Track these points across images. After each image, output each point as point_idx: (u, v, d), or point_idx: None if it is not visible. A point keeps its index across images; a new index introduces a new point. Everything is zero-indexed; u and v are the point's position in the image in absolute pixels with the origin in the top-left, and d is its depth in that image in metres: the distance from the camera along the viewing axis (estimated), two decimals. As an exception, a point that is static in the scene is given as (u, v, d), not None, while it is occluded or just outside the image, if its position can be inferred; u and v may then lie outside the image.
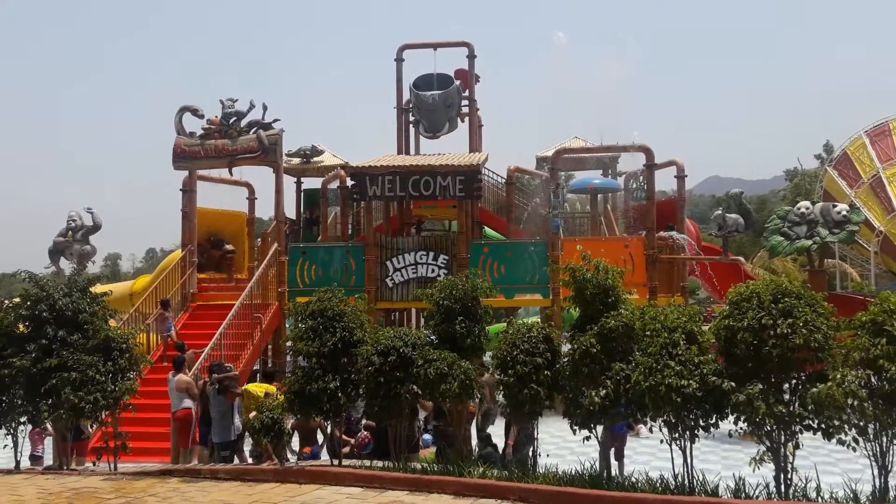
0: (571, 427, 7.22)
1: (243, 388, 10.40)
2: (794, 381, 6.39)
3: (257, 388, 10.00)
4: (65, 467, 9.41)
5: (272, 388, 10.15)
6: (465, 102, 20.09)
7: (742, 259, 18.90)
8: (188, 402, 10.19)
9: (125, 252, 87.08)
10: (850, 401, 5.87)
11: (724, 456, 10.34)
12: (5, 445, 9.32)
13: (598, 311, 7.33)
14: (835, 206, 18.32)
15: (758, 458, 6.20)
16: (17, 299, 9.64)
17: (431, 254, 16.12)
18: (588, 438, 7.15)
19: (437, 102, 19.01)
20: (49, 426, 9.65)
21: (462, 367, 7.81)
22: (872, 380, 6.01)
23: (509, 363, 7.53)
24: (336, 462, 8.20)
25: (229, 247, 18.09)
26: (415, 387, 7.83)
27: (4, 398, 9.06)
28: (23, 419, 9.26)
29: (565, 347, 7.79)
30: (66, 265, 17.02)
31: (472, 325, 8.19)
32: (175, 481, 8.11)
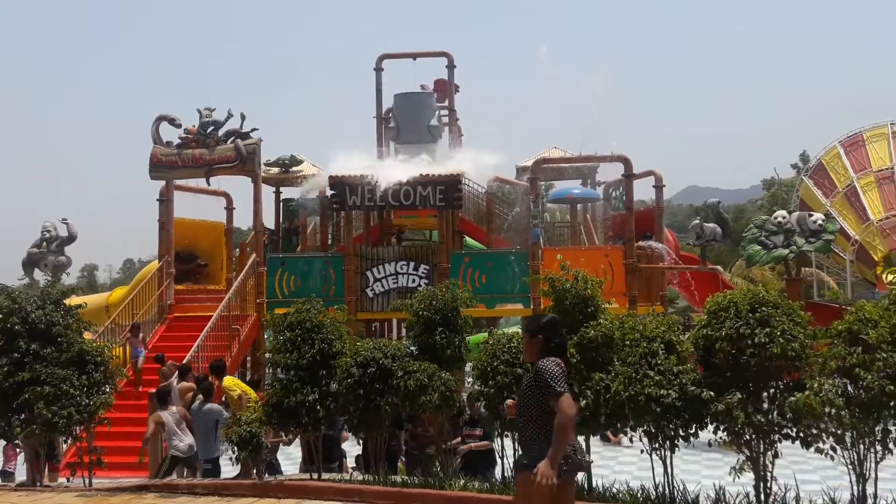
0: (551, 438, 7.19)
1: (224, 382, 10.40)
2: (772, 390, 6.42)
3: (234, 386, 10.01)
4: (38, 483, 9.22)
5: (251, 392, 10.12)
6: (444, 112, 20.14)
7: (720, 268, 19.08)
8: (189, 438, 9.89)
9: (102, 263, 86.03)
10: (827, 409, 5.90)
11: (705, 465, 10.38)
12: (-24, 462, 9.12)
13: (578, 321, 7.33)
14: (811, 216, 18.58)
15: (737, 467, 6.22)
16: (-11, 312, 9.44)
17: (412, 264, 16.08)
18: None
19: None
20: (20, 442, 9.44)
21: (442, 378, 7.76)
22: (849, 388, 6.06)
23: (489, 374, 7.50)
24: (315, 476, 8.11)
25: (201, 261, 17.99)
26: (395, 398, 7.77)
27: (-25, 413, 8.85)
28: (-6, 435, 9.06)
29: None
30: (41, 276, 16.79)
31: (452, 335, 8.14)
32: (151, 497, 7.98)
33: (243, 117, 15.77)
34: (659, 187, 16.69)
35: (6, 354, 8.98)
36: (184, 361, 12.13)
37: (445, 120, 20.46)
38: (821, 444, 6.10)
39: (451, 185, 15.70)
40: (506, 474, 7.44)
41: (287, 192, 21.53)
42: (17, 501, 7.97)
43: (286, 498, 7.45)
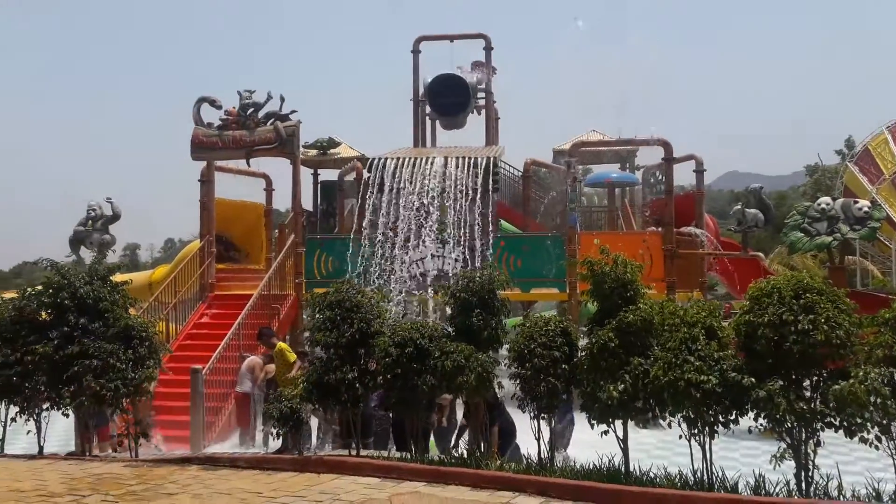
0: (589, 421, 7.21)
1: (278, 345, 10.87)
2: (815, 378, 6.33)
3: (289, 352, 10.49)
4: (87, 453, 9.54)
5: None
6: (481, 95, 20.04)
7: (761, 255, 18.75)
8: (247, 384, 10.55)
9: (144, 242, 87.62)
10: (872, 398, 5.81)
11: (744, 453, 10.29)
12: (28, 431, 9.45)
13: (617, 305, 7.31)
14: (856, 203, 18.11)
15: (778, 455, 6.16)
16: (39, 287, 9.75)
17: (448, 247, 16.10)
18: (606, 433, 7.13)
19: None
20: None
21: (479, 359, 7.81)
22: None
23: (526, 356, 7.53)
24: (354, 452, 8.24)
25: (235, 254, 18.44)
26: (432, 378, 7.85)
27: (27, 384, 9.17)
28: (45, 405, 9.37)
29: (582, 342, 7.77)
30: (86, 254, 17.24)
31: (489, 317, 8.18)
32: (195, 469, 8.18)
33: (283, 99, 15.90)
34: (699, 172, 16.46)
35: (56, 328, 9.28)
36: (225, 338, 12.40)
37: (482, 102, 20.35)
38: (865, 434, 6.01)
39: (487, 169, 15.65)
40: (542, 455, 7.48)
41: (325, 174, 21.73)
42: (67, 469, 8.24)
43: (325, 473, 7.59)
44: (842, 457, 8.56)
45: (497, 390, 8.21)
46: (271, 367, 11.19)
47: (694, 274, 16.31)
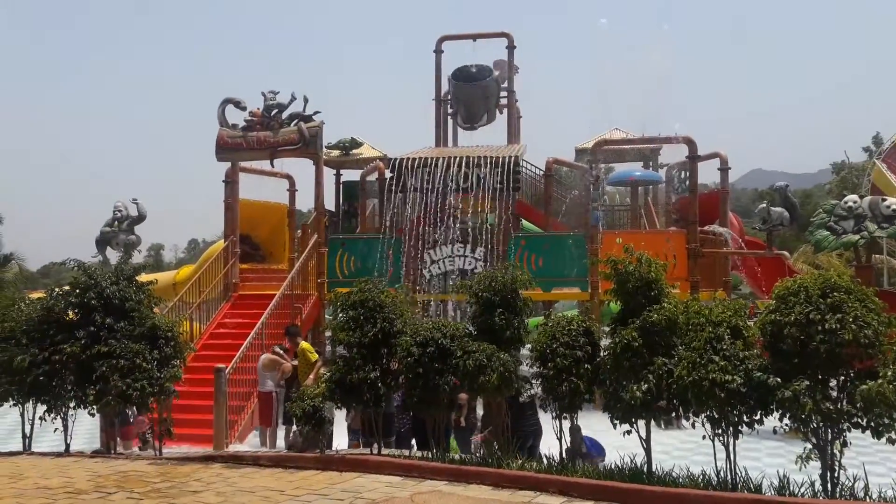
0: (612, 421, 7.16)
1: (301, 345, 10.99)
2: (842, 378, 6.24)
3: (312, 350, 10.64)
4: (112, 451, 9.67)
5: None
6: (503, 94, 20.01)
7: (786, 254, 18.51)
8: (269, 384, 10.69)
9: (168, 243, 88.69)
10: (901, 399, 5.72)
11: (767, 453, 10.17)
12: (56, 429, 9.60)
13: (640, 304, 7.25)
14: (884, 200, 17.82)
15: (804, 455, 6.07)
16: (66, 287, 9.90)
17: (469, 246, 16.13)
18: (629, 433, 7.08)
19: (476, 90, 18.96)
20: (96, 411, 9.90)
21: (501, 359, 7.80)
22: (926, 378, 5.85)
23: (549, 356, 7.50)
24: (375, 451, 8.27)
25: (260, 252, 18.67)
26: (453, 378, 7.85)
27: (55, 383, 9.32)
28: (72, 404, 9.51)
29: (605, 342, 7.73)
30: (113, 255, 17.47)
31: (511, 316, 8.16)
32: (218, 467, 8.27)
33: (306, 100, 16.02)
34: (724, 170, 16.29)
35: (83, 327, 9.41)
36: (248, 338, 12.52)
37: (505, 101, 20.33)
38: (893, 435, 5.90)
39: (508, 168, 15.63)
40: (563, 455, 7.45)
41: (347, 175, 21.83)
42: (93, 467, 8.37)
43: (347, 471, 7.63)
44: (868, 457, 8.44)
45: (526, 391, 8.16)
46: (288, 366, 11.27)
47: (718, 273, 16.15)
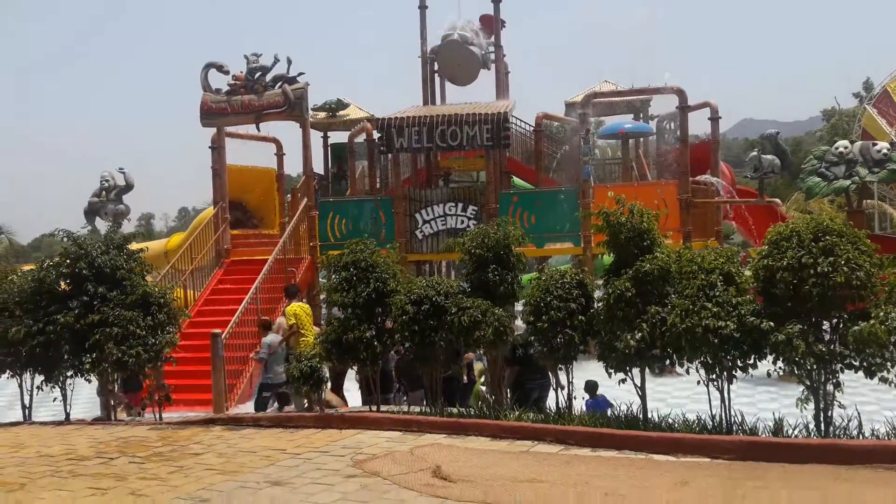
0: (607, 370, 7.23)
1: (286, 308, 11.37)
2: (834, 321, 6.30)
3: (291, 315, 10.91)
4: (112, 418, 9.73)
5: (309, 327, 10.98)
6: (490, 49, 19.72)
7: (778, 201, 18.52)
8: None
9: (158, 212, 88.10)
10: (892, 338, 5.78)
11: (760, 398, 10.32)
12: (55, 399, 9.63)
13: (633, 255, 7.25)
14: (874, 145, 17.83)
15: (803, 398, 6.16)
16: (57, 258, 9.84)
17: (460, 205, 16.08)
18: (623, 381, 7.16)
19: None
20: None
21: (496, 314, 7.81)
22: (917, 317, 5.90)
23: (543, 309, 7.52)
24: (374, 408, 8.34)
25: (254, 219, 18.57)
26: (449, 334, 7.88)
27: (51, 353, 9.32)
28: (69, 373, 9.53)
29: (598, 293, 7.76)
30: (102, 225, 17.37)
31: (504, 272, 8.16)
32: (218, 429, 8.33)
33: (290, 62, 15.75)
34: (714, 119, 16.16)
35: (76, 297, 9.39)
36: (243, 303, 12.52)
37: (492, 56, 20.04)
38: (885, 374, 5.98)
39: (498, 124, 15.49)
40: (560, 405, 7.54)
41: (334, 137, 21.62)
42: (94, 434, 8.42)
43: (347, 429, 7.70)
44: (861, 398, 8.56)
45: (529, 347, 8.20)
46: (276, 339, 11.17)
47: (710, 223, 16.15)
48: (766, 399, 10.29)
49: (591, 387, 8.90)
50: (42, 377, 9.60)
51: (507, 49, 20.26)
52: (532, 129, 17.82)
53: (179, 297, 13.21)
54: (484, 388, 9.01)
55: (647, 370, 7.15)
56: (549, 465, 5.84)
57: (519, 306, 8.87)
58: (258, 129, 16.18)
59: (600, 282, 7.69)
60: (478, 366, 9.84)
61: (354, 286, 8.31)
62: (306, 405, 9.19)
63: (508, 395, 8.25)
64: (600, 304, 7.42)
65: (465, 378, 9.71)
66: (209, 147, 16.59)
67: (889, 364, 5.94)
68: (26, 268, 10.88)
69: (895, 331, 5.75)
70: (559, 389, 7.66)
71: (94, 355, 9.15)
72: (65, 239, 9.90)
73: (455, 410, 7.97)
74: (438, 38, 19.04)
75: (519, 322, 8.64)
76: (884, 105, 27.03)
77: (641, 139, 20.69)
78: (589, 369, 8.28)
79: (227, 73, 15.85)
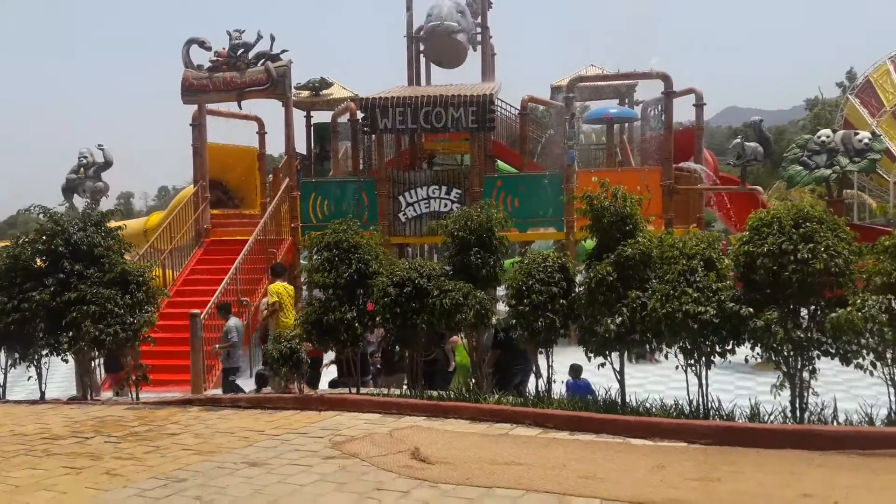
0: (586, 355, 7.24)
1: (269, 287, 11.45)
2: (812, 308, 6.34)
3: (273, 293, 11.16)
4: (88, 397, 9.63)
5: (290, 312, 11.03)
6: (477, 30, 19.56)
7: (760, 188, 18.63)
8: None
9: (137, 190, 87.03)
10: (869, 325, 5.83)
11: (738, 384, 10.42)
12: (29, 377, 9.51)
13: (616, 239, 7.25)
14: (856, 134, 17.94)
15: (778, 384, 6.20)
16: (32, 235, 9.67)
17: (444, 188, 16.02)
18: (603, 365, 7.17)
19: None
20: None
21: (478, 297, 7.80)
22: (893, 304, 5.96)
23: (524, 292, 7.50)
24: (353, 390, 8.32)
25: (234, 199, 18.42)
26: (430, 317, 7.85)
27: (26, 331, 9.18)
28: (45, 352, 9.40)
29: (580, 278, 7.76)
30: (80, 202, 17.12)
31: (487, 255, 8.14)
32: (196, 410, 8.27)
33: (273, 39, 15.53)
34: (699, 106, 16.19)
35: (52, 275, 9.25)
36: (222, 283, 12.42)
37: (478, 38, 19.89)
38: (860, 361, 6.03)
39: (483, 106, 15.39)
40: (539, 389, 7.55)
41: (318, 116, 21.39)
42: (70, 413, 8.33)
43: (326, 410, 7.67)
44: (836, 386, 8.67)
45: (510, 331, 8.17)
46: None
47: (692, 210, 16.23)
48: (742, 387, 10.38)
49: (575, 370, 8.93)
50: (17, 355, 9.47)
51: (493, 31, 20.13)
52: (518, 112, 17.73)
53: (158, 277, 13.07)
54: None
55: (625, 357, 7.17)
56: (527, 447, 5.85)
57: (501, 290, 8.86)
58: (240, 106, 15.97)
59: (582, 267, 7.69)
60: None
61: (336, 267, 8.25)
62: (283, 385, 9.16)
63: (489, 378, 8.26)
64: (582, 289, 7.42)
65: (452, 365, 9.66)
66: (190, 125, 16.36)
67: (864, 351, 5.99)
68: (1, 244, 10.70)
69: (872, 318, 5.79)
70: (538, 374, 7.67)
71: (71, 333, 9.03)
72: (41, 215, 9.74)
73: (435, 393, 7.97)
74: (424, 16, 18.84)
75: (501, 306, 8.62)
76: (866, 95, 27.22)
77: (626, 125, 20.67)
78: (568, 354, 8.29)
79: (209, 49, 15.61)
